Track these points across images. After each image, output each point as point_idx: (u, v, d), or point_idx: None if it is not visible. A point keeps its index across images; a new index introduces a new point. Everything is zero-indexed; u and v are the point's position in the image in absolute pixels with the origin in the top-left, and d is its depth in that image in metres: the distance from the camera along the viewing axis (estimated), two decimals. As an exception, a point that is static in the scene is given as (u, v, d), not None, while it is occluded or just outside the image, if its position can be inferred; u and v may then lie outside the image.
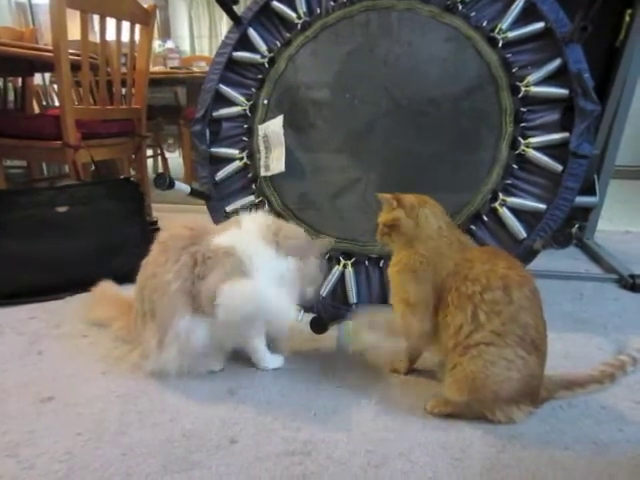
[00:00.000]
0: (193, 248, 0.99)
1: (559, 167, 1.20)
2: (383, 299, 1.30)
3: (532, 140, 1.23)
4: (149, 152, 3.55)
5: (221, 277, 0.96)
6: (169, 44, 4.28)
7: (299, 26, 1.42)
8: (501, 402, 0.86)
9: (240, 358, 1.10)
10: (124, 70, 2.07)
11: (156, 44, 4.01)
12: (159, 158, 3.83)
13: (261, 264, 0.99)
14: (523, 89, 1.23)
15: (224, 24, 6.32)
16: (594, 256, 1.86)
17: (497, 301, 0.84)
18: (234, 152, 1.48)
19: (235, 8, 1.46)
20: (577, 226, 1.94)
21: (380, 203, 1.00)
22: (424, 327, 0.91)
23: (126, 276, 1.22)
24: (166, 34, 6.27)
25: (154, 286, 0.99)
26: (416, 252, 0.92)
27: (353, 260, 1.32)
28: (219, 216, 1.44)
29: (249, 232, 1.03)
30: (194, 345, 0.99)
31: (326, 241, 1.13)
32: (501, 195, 1.24)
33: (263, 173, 1.42)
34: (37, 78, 3.27)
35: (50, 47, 1.70)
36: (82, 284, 1.33)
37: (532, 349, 0.84)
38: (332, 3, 1.40)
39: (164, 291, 0.98)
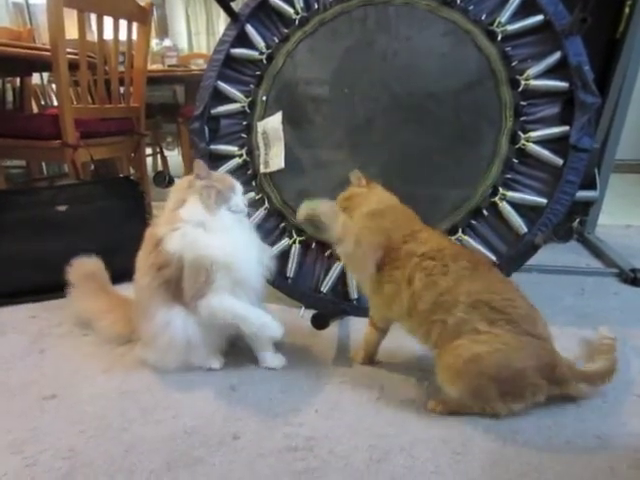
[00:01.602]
0: (159, 248, 0.99)
1: (560, 161, 1.20)
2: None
3: (532, 134, 1.22)
4: (148, 151, 3.53)
5: (191, 288, 0.97)
6: (167, 42, 4.26)
7: (297, 22, 1.42)
8: (485, 384, 0.84)
9: (241, 354, 1.10)
10: (122, 69, 2.07)
11: (154, 42, 4.00)
12: (158, 157, 3.82)
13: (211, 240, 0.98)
14: (523, 83, 1.23)
15: (221, 21, 6.30)
16: (595, 250, 1.86)
17: (432, 271, 0.88)
18: (233, 149, 1.47)
19: (232, 4, 1.46)
20: (578, 220, 1.94)
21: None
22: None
23: (126, 274, 1.22)
24: (163, 32, 6.25)
25: (137, 280, 1.04)
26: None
27: (354, 256, 1.32)
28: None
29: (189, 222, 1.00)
30: (175, 337, 0.99)
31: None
32: (501, 189, 1.24)
33: (262, 170, 1.42)
34: (35, 78, 3.26)
35: (48, 46, 1.69)
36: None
37: (495, 315, 0.84)
38: (330, -2, 1.39)
39: (140, 285, 1.01)
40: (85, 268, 1.24)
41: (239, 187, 1.09)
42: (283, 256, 1.36)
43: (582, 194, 1.60)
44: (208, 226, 0.99)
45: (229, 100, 1.49)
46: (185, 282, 0.97)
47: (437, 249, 0.90)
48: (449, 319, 0.86)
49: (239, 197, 1.07)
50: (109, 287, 1.26)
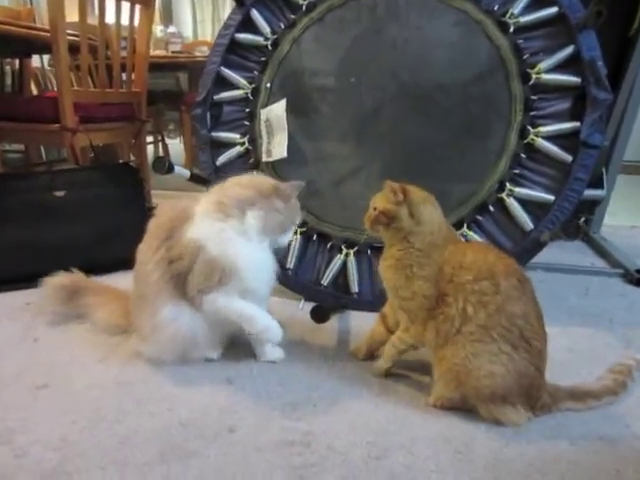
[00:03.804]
0: (169, 242, 0.96)
1: (569, 157, 1.18)
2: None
3: (542, 129, 1.20)
4: (149, 138, 3.51)
5: (200, 283, 0.94)
6: (171, 29, 4.22)
7: (304, 7, 1.38)
8: (485, 400, 0.83)
9: (239, 347, 1.08)
10: (124, 54, 2.03)
11: (158, 29, 3.95)
12: (160, 144, 3.79)
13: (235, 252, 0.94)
14: (534, 76, 1.20)
15: (227, 8, 6.22)
16: (600, 250, 1.84)
17: (484, 292, 0.82)
18: (235, 137, 1.45)
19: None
20: (583, 219, 1.91)
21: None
22: (421, 329, 0.90)
23: (124, 262, 1.20)
24: (168, 19, 6.18)
25: (141, 273, 0.99)
26: (412, 246, 0.88)
27: (356, 249, 1.30)
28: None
29: (210, 220, 0.96)
30: (183, 332, 0.98)
31: (295, 184, 1.01)
32: (508, 185, 1.22)
33: (265, 159, 1.40)
34: (36, 61, 3.22)
35: (48, 27, 1.66)
36: (79, 270, 1.30)
37: (519, 341, 0.81)
38: (338, -16, 1.36)
39: (148, 280, 0.97)
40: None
41: (295, 226, 1.04)
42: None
43: (589, 193, 1.58)
44: (251, 241, 0.95)
45: (232, 86, 1.46)
46: (195, 275, 0.94)
47: (487, 269, 0.84)
48: (484, 338, 0.82)
49: (289, 235, 1.02)
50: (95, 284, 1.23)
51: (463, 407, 0.87)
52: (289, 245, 1.34)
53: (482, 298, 0.82)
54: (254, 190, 0.97)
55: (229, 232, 0.94)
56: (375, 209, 0.92)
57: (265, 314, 1.00)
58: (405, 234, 0.89)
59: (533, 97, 1.21)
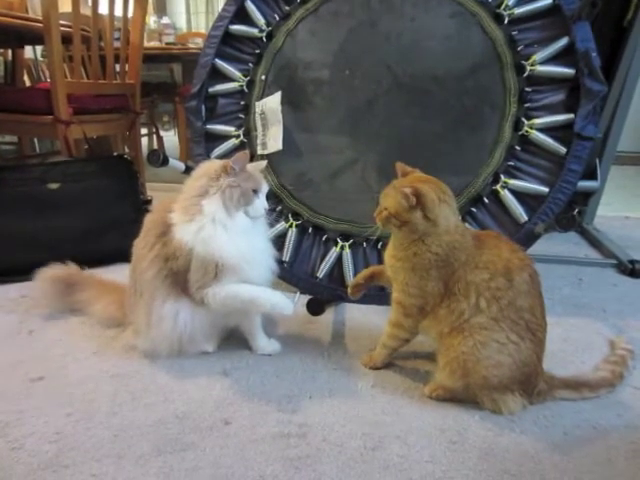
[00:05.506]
0: (165, 238, 0.95)
1: (563, 149, 1.18)
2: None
3: (536, 121, 1.20)
4: (144, 130, 3.48)
5: (198, 281, 0.93)
6: (164, 20, 4.17)
7: (298, -1, 1.37)
8: (491, 389, 0.84)
9: (234, 339, 1.08)
10: (117, 45, 2.01)
11: (151, 20, 3.91)
12: (154, 137, 3.76)
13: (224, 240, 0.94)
14: (528, 68, 1.20)
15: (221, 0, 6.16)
16: (594, 241, 1.85)
17: (499, 287, 0.83)
18: (230, 129, 1.44)
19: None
20: (577, 211, 1.92)
21: (383, 182, 0.91)
22: (416, 323, 0.92)
23: (119, 255, 1.20)
24: (161, 10, 6.10)
25: (137, 269, 0.99)
26: (429, 249, 0.86)
27: (351, 242, 1.30)
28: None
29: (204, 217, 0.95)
30: (180, 328, 0.97)
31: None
32: (503, 177, 1.22)
33: (260, 151, 1.39)
34: (29, 52, 3.17)
35: (40, 17, 1.63)
36: (74, 262, 1.30)
37: (525, 333, 0.82)
38: (333, -25, 1.34)
39: (144, 277, 0.96)
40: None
41: (265, 188, 1.02)
42: (279, 240, 1.34)
43: (582, 184, 1.58)
44: (226, 225, 0.94)
45: (227, 79, 1.44)
46: (192, 274, 0.94)
47: (502, 266, 0.83)
48: (494, 328, 0.83)
49: (261, 200, 1.00)
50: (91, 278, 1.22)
51: (462, 397, 0.88)
52: (285, 238, 1.34)
53: (496, 293, 0.83)
54: (205, 178, 0.97)
55: (206, 229, 0.93)
56: (386, 209, 0.88)
57: (269, 290, 0.97)
58: (420, 235, 0.86)
59: (527, 89, 1.20)
